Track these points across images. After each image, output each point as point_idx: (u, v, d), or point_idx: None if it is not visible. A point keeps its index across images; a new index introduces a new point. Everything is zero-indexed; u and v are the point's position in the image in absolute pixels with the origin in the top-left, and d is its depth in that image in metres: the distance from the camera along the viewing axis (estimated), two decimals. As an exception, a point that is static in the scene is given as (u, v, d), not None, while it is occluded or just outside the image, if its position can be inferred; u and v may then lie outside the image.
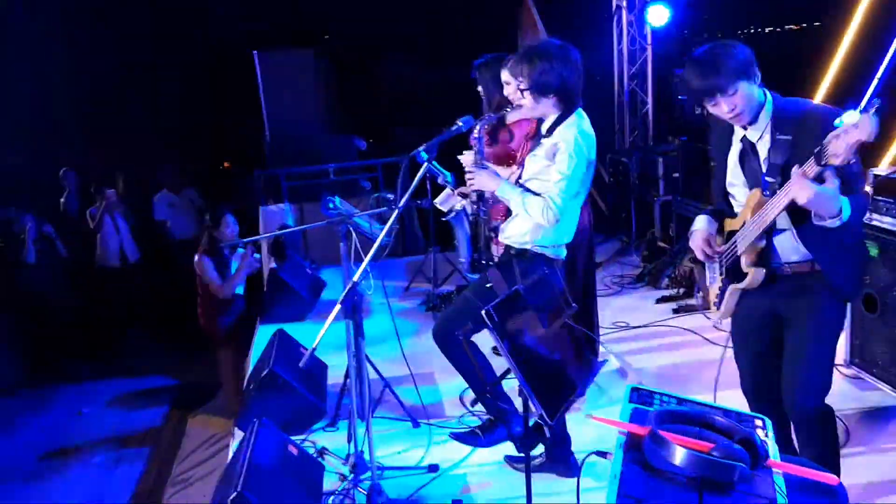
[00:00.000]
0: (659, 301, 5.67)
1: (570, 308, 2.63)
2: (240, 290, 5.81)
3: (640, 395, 1.92)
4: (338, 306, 2.78)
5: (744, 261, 2.69)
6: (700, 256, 2.86)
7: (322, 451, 3.61)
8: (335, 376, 4.35)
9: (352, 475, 3.26)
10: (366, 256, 2.82)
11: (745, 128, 2.63)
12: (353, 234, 3.26)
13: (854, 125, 2.15)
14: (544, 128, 3.14)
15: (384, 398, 4.13)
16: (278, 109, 7.91)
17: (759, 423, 1.90)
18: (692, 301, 5.46)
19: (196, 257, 5.68)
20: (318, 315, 6.06)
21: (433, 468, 3.50)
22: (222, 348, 6.25)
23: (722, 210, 2.85)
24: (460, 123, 3.09)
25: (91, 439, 6.91)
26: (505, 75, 3.43)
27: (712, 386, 3.01)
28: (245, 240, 5.25)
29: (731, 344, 2.95)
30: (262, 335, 5.46)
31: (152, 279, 8.78)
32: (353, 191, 7.51)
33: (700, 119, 6.10)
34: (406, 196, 2.82)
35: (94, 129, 10.78)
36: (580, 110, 3.10)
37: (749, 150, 2.65)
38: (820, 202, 2.31)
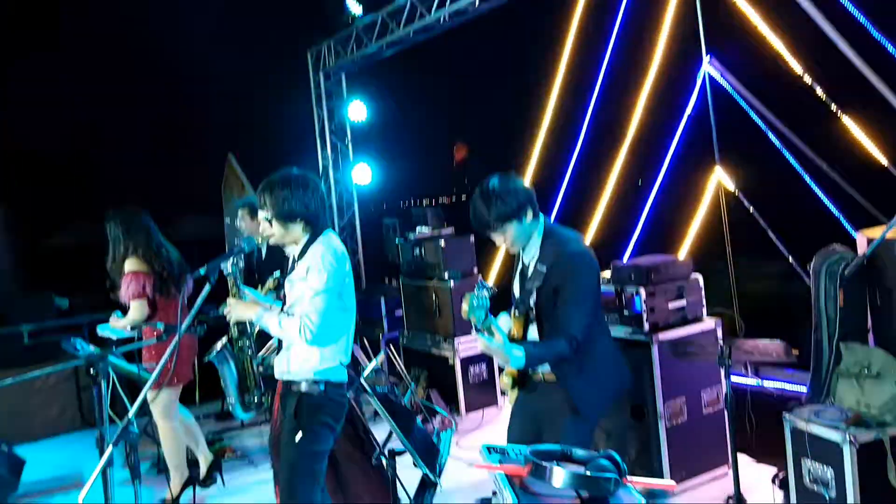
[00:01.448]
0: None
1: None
2: None
3: (494, 451, 2.12)
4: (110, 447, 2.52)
5: (506, 367, 3.06)
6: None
7: None
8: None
9: None
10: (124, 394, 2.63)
11: (521, 250, 3.10)
12: (111, 374, 2.99)
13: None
14: (296, 252, 3.23)
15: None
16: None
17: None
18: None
19: None
20: (21, 498, 5.21)
21: None
22: None
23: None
24: (242, 244, 3.11)
25: None
26: (243, 215, 3.68)
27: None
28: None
29: None
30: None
31: None
32: (52, 354, 6.70)
33: (415, 259, 6.72)
34: (188, 320, 2.71)
35: None
36: (328, 230, 3.24)
37: (524, 269, 3.11)
38: (490, 352, 2.79)
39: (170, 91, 9.86)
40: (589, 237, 7.15)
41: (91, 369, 2.98)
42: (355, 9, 8.24)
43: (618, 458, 1.97)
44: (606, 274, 4.84)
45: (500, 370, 3.25)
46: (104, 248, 4.59)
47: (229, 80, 10.00)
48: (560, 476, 1.86)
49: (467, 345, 6.26)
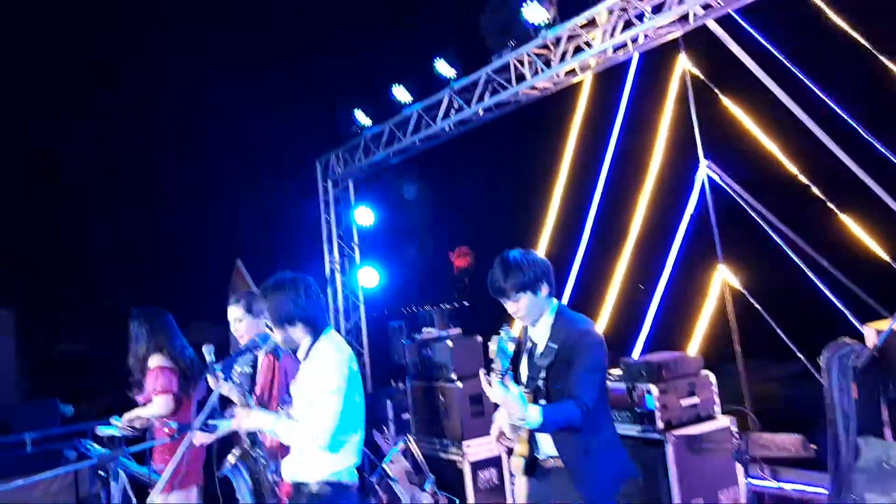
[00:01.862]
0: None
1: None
2: None
3: None
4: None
5: (515, 448, 3.04)
6: (494, 444, 3.14)
7: None
8: None
9: None
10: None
11: (532, 325, 3.12)
12: (122, 475, 2.95)
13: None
14: (301, 355, 3.21)
15: None
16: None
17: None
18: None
19: None
20: None
21: None
22: None
23: None
24: (258, 339, 3.13)
25: None
26: (236, 312, 3.81)
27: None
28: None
29: None
30: None
31: None
32: (55, 462, 6.56)
33: (423, 360, 6.69)
34: (202, 418, 2.71)
35: None
36: (330, 329, 3.22)
37: (533, 347, 3.13)
38: (506, 404, 2.75)
39: (179, 195, 10.14)
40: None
41: (102, 470, 2.95)
42: (364, 120, 8.59)
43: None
44: (616, 371, 4.84)
45: (510, 452, 3.18)
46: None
47: (238, 186, 10.31)
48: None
49: (477, 448, 6.13)
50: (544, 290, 3.07)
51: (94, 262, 10.30)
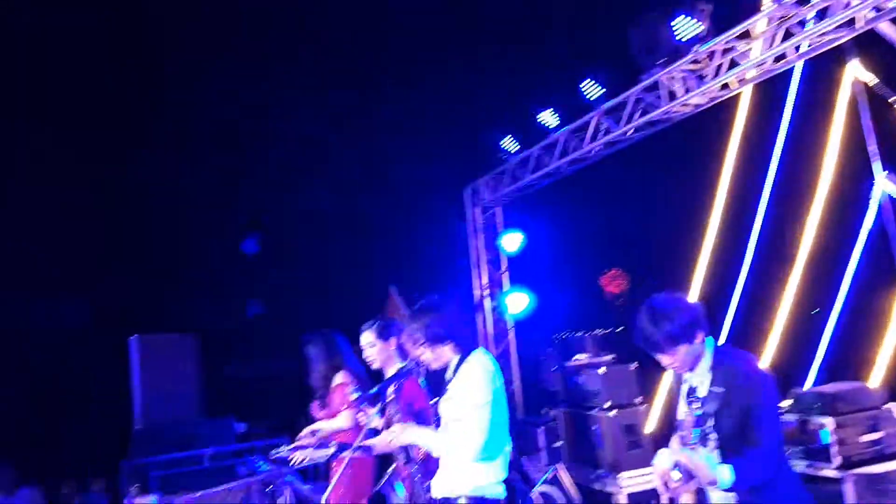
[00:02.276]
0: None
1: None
2: None
3: None
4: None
5: (682, 498, 2.87)
6: (658, 489, 2.98)
7: None
8: None
9: None
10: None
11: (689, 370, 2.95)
12: (288, 492, 3.11)
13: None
14: (449, 373, 3.34)
15: None
16: (153, 395, 7.60)
17: None
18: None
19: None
20: None
21: None
22: None
23: None
24: (410, 365, 3.24)
25: None
26: (368, 337, 4.10)
27: None
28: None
29: None
30: None
31: None
32: (229, 477, 7.05)
33: (574, 387, 6.56)
34: (361, 437, 2.81)
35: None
36: (478, 349, 3.35)
37: (691, 390, 2.95)
38: (694, 466, 2.60)
39: (338, 228, 10.68)
40: (763, 361, 6.70)
41: (269, 485, 3.13)
42: (510, 146, 8.65)
43: None
44: (785, 403, 4.51)
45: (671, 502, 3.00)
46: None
47: (391, 216, 10.70)
48: None
49: (634, 480, 5.90)
50: (699, 336, 2.89)
51: (265, 292, 11.06)
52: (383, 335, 4.18)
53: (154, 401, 7.62)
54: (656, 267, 8.50)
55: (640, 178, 8.33)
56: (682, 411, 3.00)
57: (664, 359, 2.89)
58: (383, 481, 3.40)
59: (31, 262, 10.25)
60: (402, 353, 4.13)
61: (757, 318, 6.95)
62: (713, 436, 2.79)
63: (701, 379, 2.93)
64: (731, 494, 2.79)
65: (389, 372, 4.05)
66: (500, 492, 3.19)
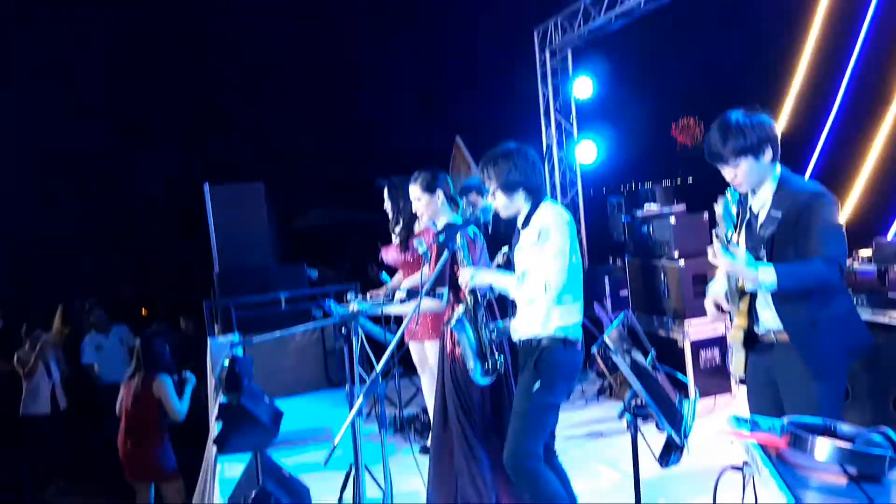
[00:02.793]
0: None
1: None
2: None
3: (744, 421, 2.01)
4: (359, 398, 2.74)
5: (734, 320, 2.88)
6: (708, 314, 3.03)
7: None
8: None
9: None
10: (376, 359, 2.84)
11: (752, 193, 2.86)
12: (361, 333, 3.24)
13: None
14: (520, 221, 3.36)
15: None
16: (228, 241, 7.90)
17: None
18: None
19: (154, 378, 5.45)
20: (277, 446, 5.83)
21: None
22: (169, 481, 5.90)
23: None
24: (479, 214, 3.24)
25: None
26: (415, 191, 3.99)
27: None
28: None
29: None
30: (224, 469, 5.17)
31: (80, 429, 8.18)
32: (304, 319, 7.41)
33: (643, 237, 6.50)
34: (429, 282, 2.86)
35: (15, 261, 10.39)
36: (548, 198, 3.35)
37: (752, 218, 2.87)
38: (734, 269, 2.60)
39: (404, 73, 10.46)
40: (846, 210, 6.44)
41: (343, 328, 3.26)
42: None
43: (893, 435, 1.75)
44: (865, 252, 4.37)
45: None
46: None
47: (457, 62, 10.37)
48: (824, 448, 1.70)
49: (699, 327, 5.93)
50: (768, 154, 2.75)
51: (331, 139, 11.10)
52: (430, 188, 4.06)
53: (229, 246, 7.92)
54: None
55: (723, 17, 7.76)
56: (741, 237, 2.87)
57: (727, 171, 2.80)
58: (454, 321, 3.48)
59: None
60: (451, 205, 4.09)
61: (843, 161, 6.61)
62: (766, 261, 2.72)
63: (761, 204, 2.83)
64: (778, 322, 2.75)
65: (439, 225, 4.04)
66: (577, 335, 3.27)
